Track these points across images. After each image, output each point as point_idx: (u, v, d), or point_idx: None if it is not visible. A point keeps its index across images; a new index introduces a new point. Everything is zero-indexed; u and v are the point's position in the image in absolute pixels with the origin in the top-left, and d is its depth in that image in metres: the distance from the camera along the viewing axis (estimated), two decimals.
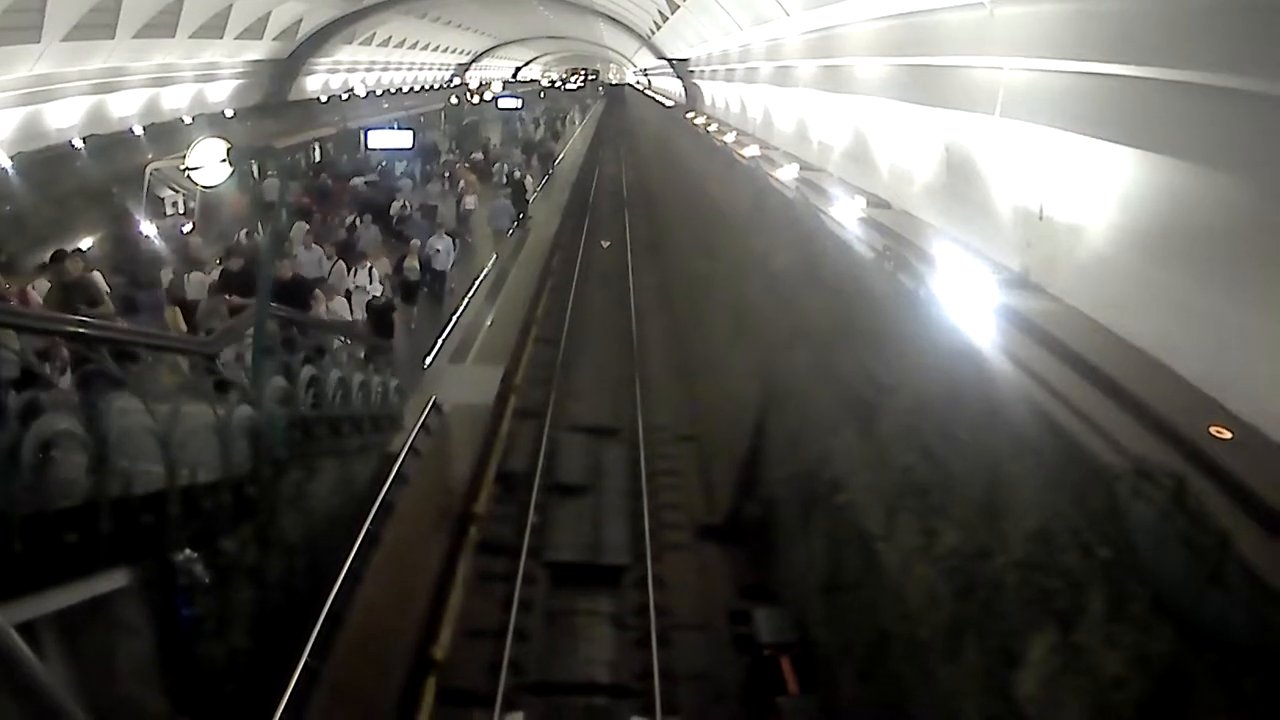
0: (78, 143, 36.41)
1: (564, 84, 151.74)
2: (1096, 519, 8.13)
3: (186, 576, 8.00)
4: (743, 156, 35.87)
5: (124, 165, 34.72)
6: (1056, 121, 13.88)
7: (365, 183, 39.05)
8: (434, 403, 17.13)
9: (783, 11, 31.48)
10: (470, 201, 37.06)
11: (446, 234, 27.18)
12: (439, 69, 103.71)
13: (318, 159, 48.85)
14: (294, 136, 51.53)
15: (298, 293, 16.09)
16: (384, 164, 43.75)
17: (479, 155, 52.99)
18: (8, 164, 31.26)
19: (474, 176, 41.57)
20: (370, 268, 21.19)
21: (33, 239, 24.85)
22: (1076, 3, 13.15)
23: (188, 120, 44.67)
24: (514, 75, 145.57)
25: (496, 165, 49.52)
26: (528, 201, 41.42)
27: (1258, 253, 9.82)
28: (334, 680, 9.74)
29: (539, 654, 15.25)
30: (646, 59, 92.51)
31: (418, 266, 24.66)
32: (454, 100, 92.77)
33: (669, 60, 70.07)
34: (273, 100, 56.53)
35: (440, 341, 22.96)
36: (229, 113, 49.92)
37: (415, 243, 25.56)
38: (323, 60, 62.33)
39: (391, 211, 33.00)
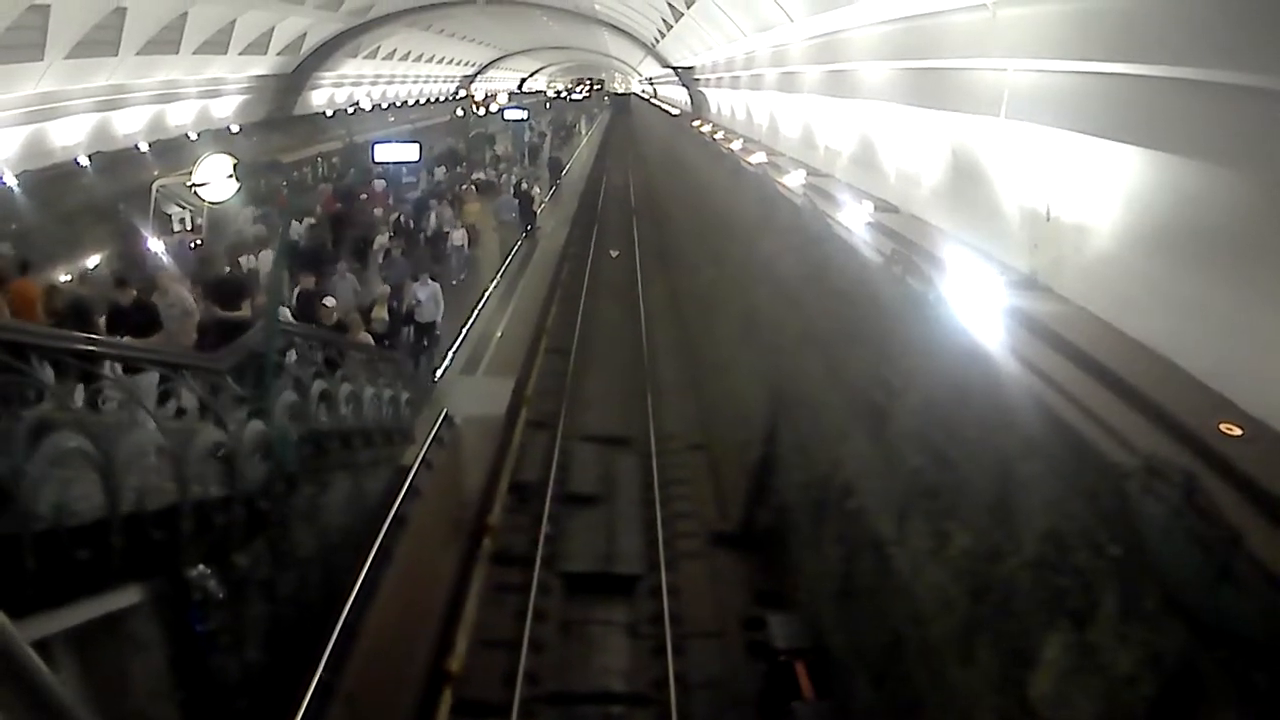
0: (83, 160, 36.55)
1: (570, 94, 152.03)
2: (1107, 518, 8.12)
3: (200, 592, 8.02)
4: (749, 163, 35.86)
5: (130, 182, 34.87)
6: (1062, 122, 13.87)
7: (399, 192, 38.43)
8: (446, 415, 17.16)
9: (786, 17, 31.51)
10: (458, 237, 32.87)
11: (430, 278, 22.87)
12: (444, 81, 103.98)
13: (337, 175, 48.84)
14: (300, 151, 51.68)
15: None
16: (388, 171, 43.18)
17: (483, 175, 50.21)
18: (14, 182, 31.38)
19: (477, 205, 37.74)
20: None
21: (40, 257, 24.94)
22: (1078, 2, 13.15)
23: (193, 136, 44.82)
24: (520, 86, 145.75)
25: (504, 178, 49.52)
26: (535, 213, 41.40)
27: (1266, 249, 9.81)
28: (349, 694, 9.76)
29: (554, 664, 15.26)
30: (652, 68, 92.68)
31: (386, 317, 20.11)
32: (460, 112, 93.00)
33: (674, 68, 70.19)
34: (278, 115, 56.70)
35: (451, 354, 23.00)
36: (234, 128, 50.11)
37: (384, 289, 21.40)
38: (327, 74, 62.52)
39: (376, 246, 28.69)
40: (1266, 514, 7.42)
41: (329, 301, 17.58)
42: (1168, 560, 7.28)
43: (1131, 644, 7.35)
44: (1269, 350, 9.55)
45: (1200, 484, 7.35)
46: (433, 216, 34.40)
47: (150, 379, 8.77)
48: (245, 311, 13.00)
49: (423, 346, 22.36)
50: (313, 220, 30.30)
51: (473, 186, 42.52)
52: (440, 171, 45.27)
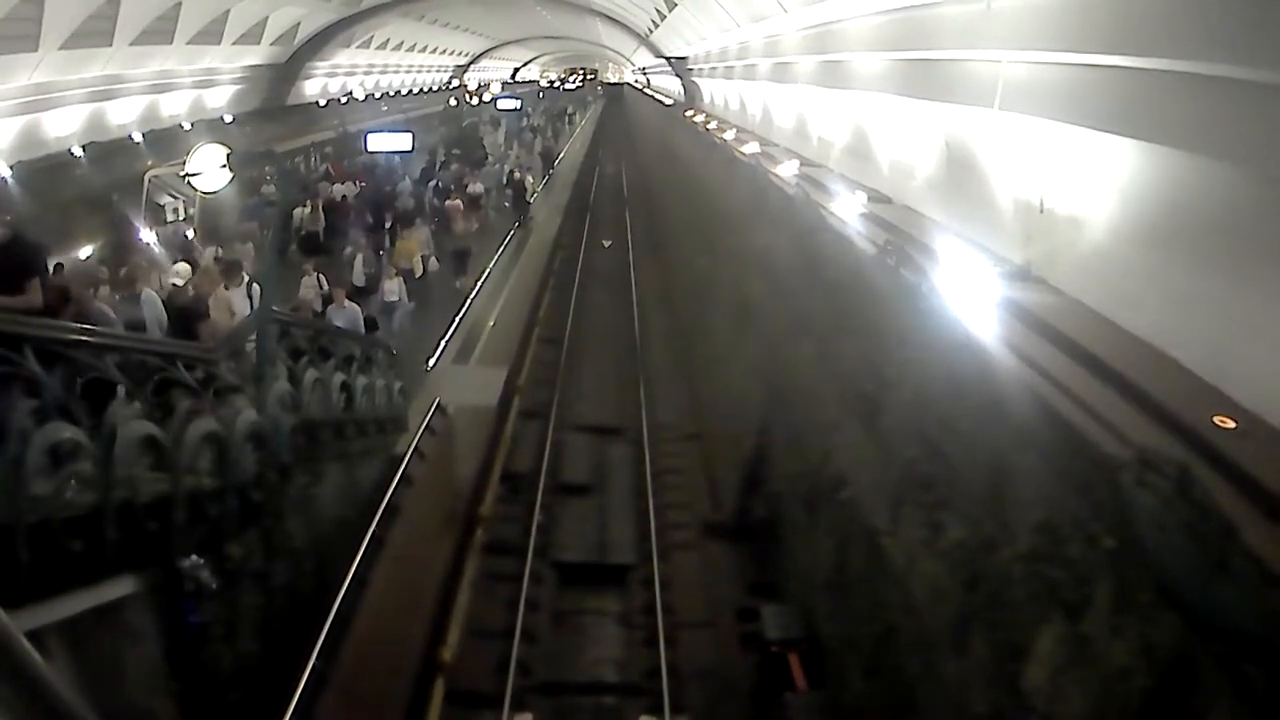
0: (77, 151, 36.46)
1: (563, 84, 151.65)
2: (1101, 510, 8.13)
3: (193, 582, 7.99)
4: (743, 154, 35.80)
5: (124, 172, 34.74)
6: (1056, 114, 13.86)
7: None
8: (438, 404, 17.13)
9: (780, 8, 31.47)
10: (392, 288, 23.38)
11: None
12: (437, 71, 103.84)
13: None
14: (294, 141, 51.61)
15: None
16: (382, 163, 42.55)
17: (476, 185, 40.57)
18: (8, 173, 31.29)
19: (418, 247, 27.77)
20: None
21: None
22: None
23: (187, 126, 44.72)
24: (512, 76, 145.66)
25: (497, 166, 49.32)
26: (528, 203, 41.22)
27: (1259, 242, 9.81)
28: (342, 683, 9.75)
29: (547, 654, 15.25)
30: (645, 58, 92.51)
31: None
32: (453, 102, 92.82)
33: (667, 59, 70.05)
34: (272, 105, 56.59)
35: (444, 343, 22.93)
36: (228, 118, 50.02)
37: None
38: (321, 64, 62.43)
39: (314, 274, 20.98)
40: (1260, 507, 7.42)
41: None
42: (1161, 553, 7.30)
43: (1125, 636, 7.36)
44: (1263, 343, 9.55)
45: (1194, 477, 7.36)
46: (359, 261, 25.61)
47: None
48: (33, 295, 9.45)
49: None
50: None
51: (459, 201, 35.79)
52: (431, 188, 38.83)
